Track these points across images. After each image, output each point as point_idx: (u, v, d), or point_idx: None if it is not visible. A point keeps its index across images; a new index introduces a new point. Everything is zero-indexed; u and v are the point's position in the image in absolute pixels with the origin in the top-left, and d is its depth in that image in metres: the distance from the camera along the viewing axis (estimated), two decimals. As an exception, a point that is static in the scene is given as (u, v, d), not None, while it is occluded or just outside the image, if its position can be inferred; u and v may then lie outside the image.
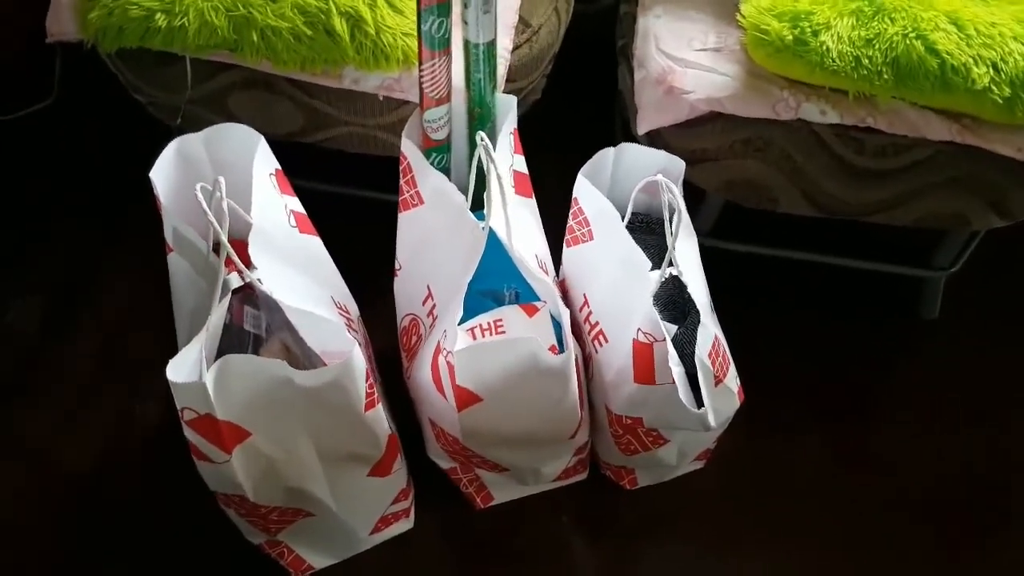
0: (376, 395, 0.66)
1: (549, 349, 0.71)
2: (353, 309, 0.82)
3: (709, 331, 0.72)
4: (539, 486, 0.92)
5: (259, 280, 0.66)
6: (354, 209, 1.07)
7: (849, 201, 0.94)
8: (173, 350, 0.64)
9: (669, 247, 0.75)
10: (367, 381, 0.64)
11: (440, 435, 0.81)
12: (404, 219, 0.83)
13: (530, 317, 0.73)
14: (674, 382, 0.72)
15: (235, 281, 0.65)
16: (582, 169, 0.82)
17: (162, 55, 0.88)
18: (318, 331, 0.67)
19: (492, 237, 0.73)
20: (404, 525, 0.87)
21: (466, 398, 0.70)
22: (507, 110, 0.79)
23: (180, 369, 0.60)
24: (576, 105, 1.29)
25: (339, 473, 0.72)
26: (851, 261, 1.13)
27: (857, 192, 0.93)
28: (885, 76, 0.82)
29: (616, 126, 1.19)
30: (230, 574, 0.86)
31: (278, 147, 0.78)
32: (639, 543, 0.92)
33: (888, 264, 1.12)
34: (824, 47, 0.81)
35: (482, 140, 0.71)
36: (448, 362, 0.69)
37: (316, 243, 0.79)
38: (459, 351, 0.67)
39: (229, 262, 0.66)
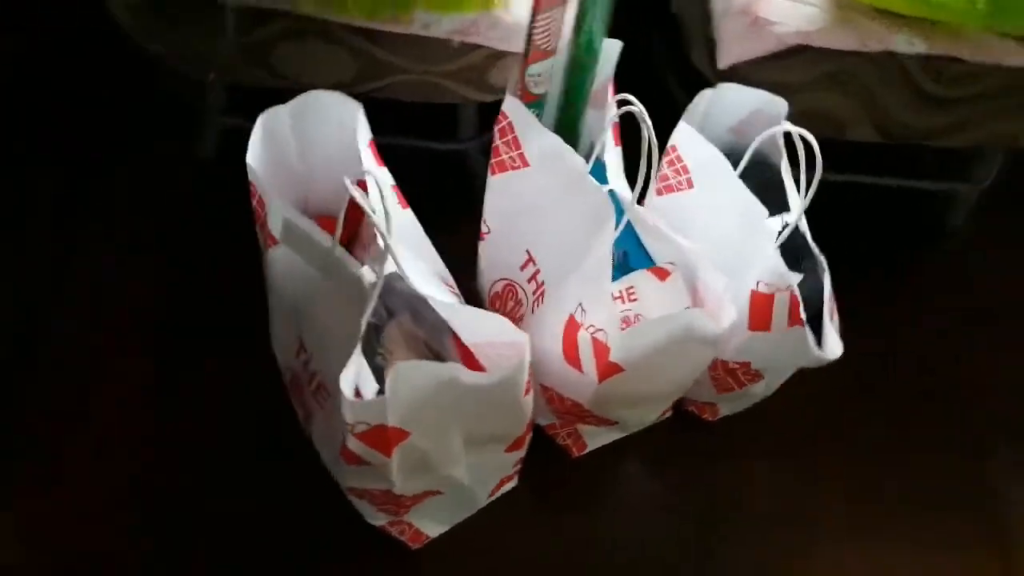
0: (531, 380, 0.64)
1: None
2: (452, 282, 0.78)
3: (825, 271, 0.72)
4: (633, 430, 0.93)
5: (403, 273, 0.61)
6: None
7: (916, 127, 0.95)
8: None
9: (790, 193, 0.74)
10: (529, 370, 0.62)
11: (554, 399, 0.80)
12: (498, 182, 0.78)
13: (662, 281, 0.71)
14: (804, 325, 0.73)
15: (388, 275, 0.59)
16: (684, 115, 0.78)
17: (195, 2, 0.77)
18: (475, 325, 0.63)
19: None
20: (512, 483, 0.87)
21: (611, 371, 0.69)
22: (610, 56, 0.74)
23: (349, 383, 0.56)
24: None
25: (479, 453, 0.70)
26: (886, 179, 1.15)
27: (926, 118, 0.93)
28: (979, 6, 0.80)
29: (660, 59, 1.14)
30: (341, 552, 0.84)
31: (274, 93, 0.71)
32: (730, 466, 0.95)
33: (923, 181, 1.14)
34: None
35: (633, 104, 0.65)
36: (595, 338, 0.67)
37: (412, 216, 0.73)
38: (626, 332, 0.65)
39: (359, 252, 0.60)
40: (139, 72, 1.04)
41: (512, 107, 0.72)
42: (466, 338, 0.64)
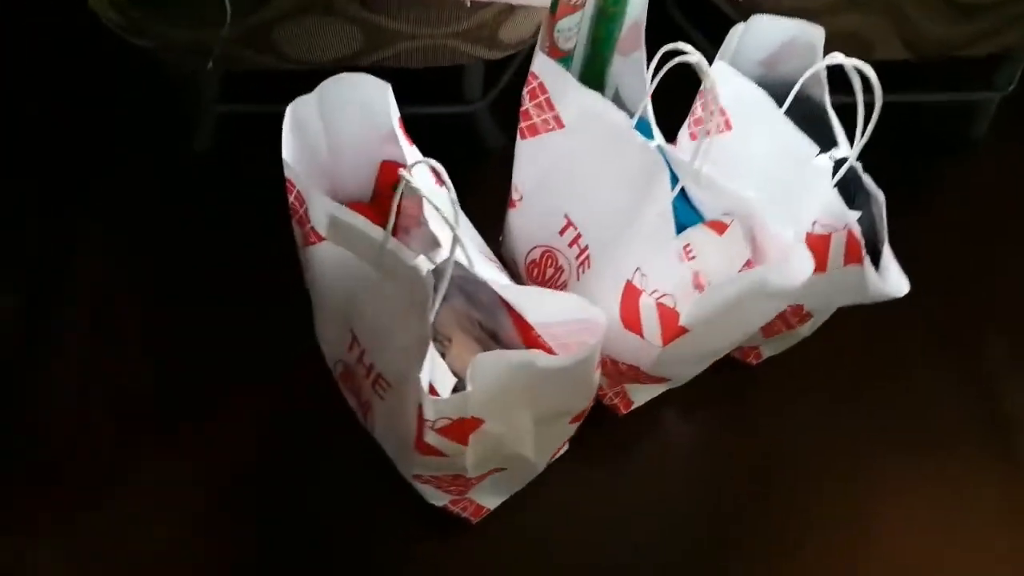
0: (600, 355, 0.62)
1: (746, 265, 0.67)
2: (494, 256, 0.75)
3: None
4: (683, 383, 0.92)
5: (469, 261, 0.58)
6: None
7: (944, 39, 0.91)
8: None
9: (837, 127, 0.71)
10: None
11: (607, 364, 0.78)
12: (530, 145, 0.75)
13: (720, 235, 0.68)
14: (862, 263, 0.71)
15: (447, 264, 0.56)
16: (720, 51, 0.75)
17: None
18: (544, 305, 0.60)
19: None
20: (566, 447, 0.87)
21: (677, 335, 0.67)
22: (640, 2, 0.70)
23: (426, 380, 0.53)
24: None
25: (546, 428, 0.69)
26: (909, 95, 1.11)
27: (954, 28, 0.90)
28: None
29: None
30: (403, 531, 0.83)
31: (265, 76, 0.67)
32: (777, 411, 0.95)
33: (946, 93, 1.12)
34: None
35: (688, 53, 0.61)
36: (661, 304, 0.65)
37: (447, 193, 0.70)
38: (699, 298, 0.62)
39: (401, 238, 0.57)
40: (126, 67, 0.99)
41: (543, 66, 0.68)
42: (534, 319, 0.61)
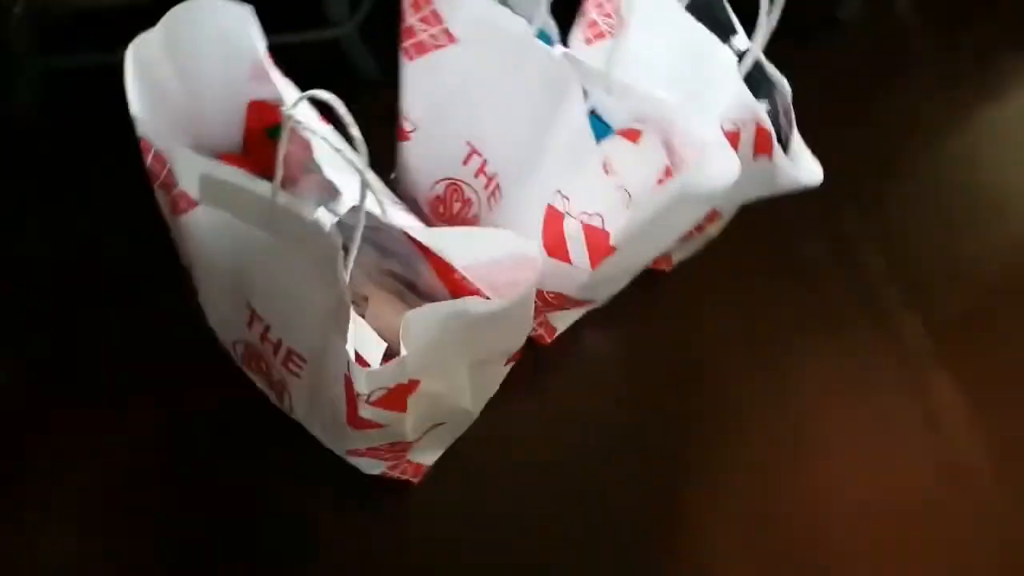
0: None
1: (665, 172, 0.64)
2: (395, 196, 0.68)
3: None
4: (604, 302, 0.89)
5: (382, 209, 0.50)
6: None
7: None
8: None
9: (732, 19, 0.67)
10: (533, 281, 0.55)
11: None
12: (416, 67, 0.67)
13: (636, 143, 0.64)
14: (772, 155, 0.69)
15: (358, 214, 0.49)
16: None
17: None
18: (471, 246, 0.54)
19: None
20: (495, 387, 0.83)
21: (606, 254, 0.63)
22: None
23: (352, 352, 0.47)
24: None
25: (482, 375, 0.64)
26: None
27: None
28: None
29: None
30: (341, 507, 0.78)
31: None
32: (696, 313, 0.95)
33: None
34: None
35: None
36: (589, 225, 0.60)
37: (332, 129, 0.62)
38: (630, 215, 0.58)
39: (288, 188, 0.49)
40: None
41: (425, -26, 0.60)
42: (460, 262, 0.55)
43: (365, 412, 0.52)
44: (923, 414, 0.88)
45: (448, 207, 0.76)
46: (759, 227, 0.92)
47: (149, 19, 0.55)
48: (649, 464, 0.80)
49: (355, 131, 0.43)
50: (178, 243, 0.61)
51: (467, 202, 0.74)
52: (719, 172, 0.58)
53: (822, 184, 0.78)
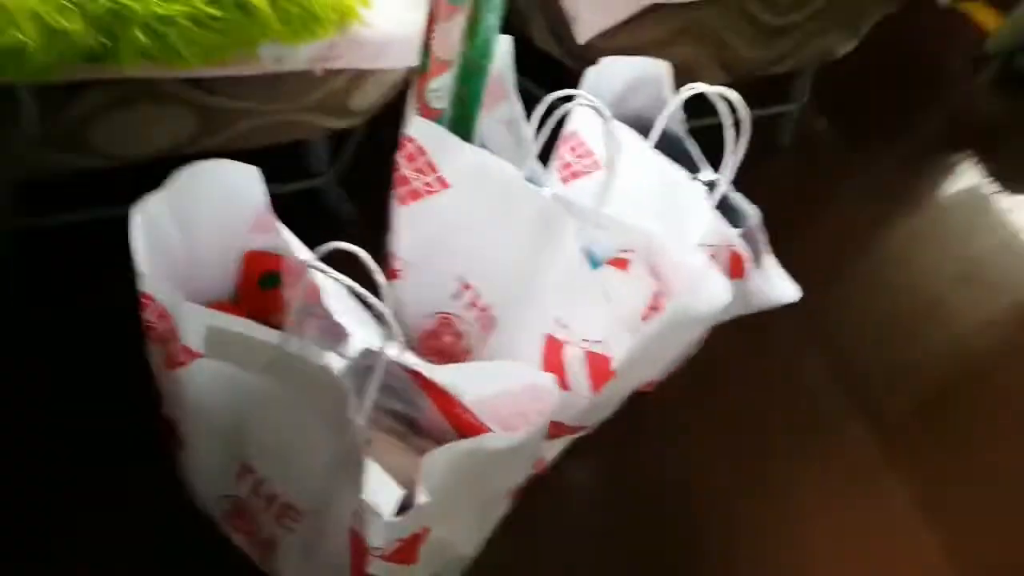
0: None
1: (654, 298, 0.66)
2: None
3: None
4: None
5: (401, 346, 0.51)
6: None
7: (758, 59, 0.99)
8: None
9: (695, 154, 0.73)
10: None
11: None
12: (409, 212, 0.70)
13: (626, 271, 0.67)
14: (745, 278, 0.73)
15: (378, 357, 0.49)
16: (577, 98, 0.75)
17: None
18: (482, 379, 0.54)
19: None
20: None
21: (606, 379, 0.64)
22: (503, 53, 0.68)
23: (379, 498, 0.46)
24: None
25: (486, 513, 0.63)
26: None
27: (766, 49, 0.98)
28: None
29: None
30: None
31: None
32: (679, 433, 0.95)
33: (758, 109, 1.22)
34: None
35: (589, 101, 0.59)
36: (591, 352, 0.62)
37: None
38: (633, 341, 0.60)
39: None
40: None
41: (420, 129, 0.64)
42: (468, 397, 0.55)
43: (375, 568, 0.50)
44: (880, 520, 0.90)
45: (439, 340, 0.77)
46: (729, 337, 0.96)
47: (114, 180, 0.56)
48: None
49: (380, 277, 0.44)
50: (166, 396, 0.59)
51: (459, 335, 0.75)
52: (711, 296, 0.61)
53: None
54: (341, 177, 1.00)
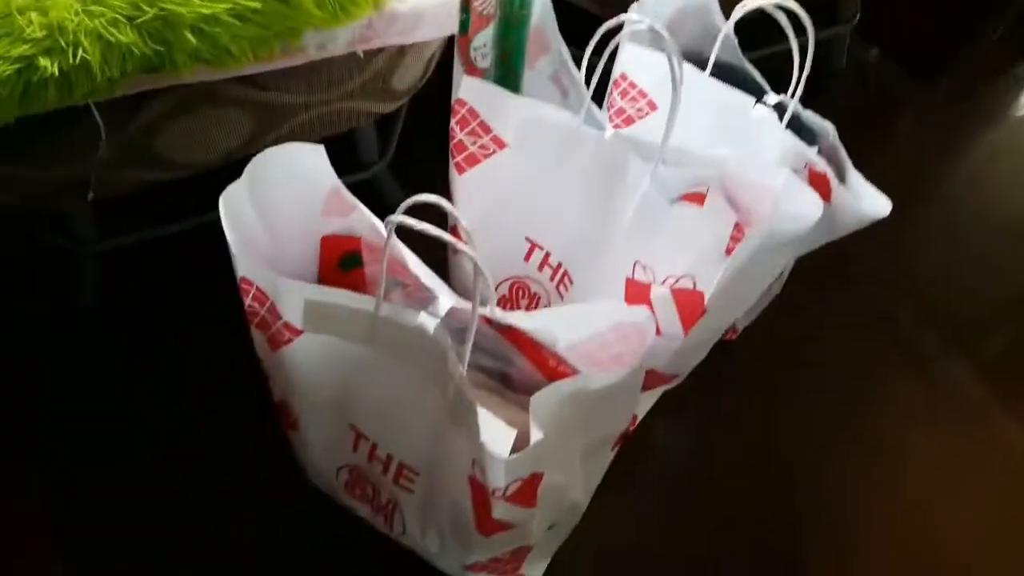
0: None
1: (735, 229, 0.64)
2: None
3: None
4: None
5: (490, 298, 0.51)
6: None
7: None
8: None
9: (758, 78, 0.71)
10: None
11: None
12: (469, 178, 0.70)
13: (701, 207, 0.65)
14: (830, 199, 0.70)
15: (473, 309, 0.49)
16: (620, 36, 0.73)
17: (47, 117, 0.62)
18: (575, 322, 0.54)
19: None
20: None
21: (697, 316, 0.62)
22: (543, 4, 0.67)
23: (496, 442, 0.46)
24: None
25: (592, 463, 0.62)
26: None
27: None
28: None
29: None
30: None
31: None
32: (767, 380, 0.93)
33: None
34: None
35: (640, 20, 0.58)
36: (678, 290, 0.60)
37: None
38: (728, 264, 0.58)
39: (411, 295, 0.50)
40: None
41: (470, 89, 0.64)
42: (564, 343, 0.55)
43: (499, 511, 0.50)
44: (996, 458, 0.85)
45: (514, 307, 0.76)
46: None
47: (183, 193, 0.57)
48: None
49: (463, 222, 0.44)
50: (274, 379, 0.61)
51: (535, 298, 0.75)
52: (803, 210, 0.59)
53: (841, 241, 0.79)
54: (392, 165, 1.01)
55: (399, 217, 0.45)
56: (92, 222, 0.83)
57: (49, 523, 0.71)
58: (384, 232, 0.56)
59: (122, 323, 0.87)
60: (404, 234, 0.49)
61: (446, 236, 0.45)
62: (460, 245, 0.44)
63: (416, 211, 0.46)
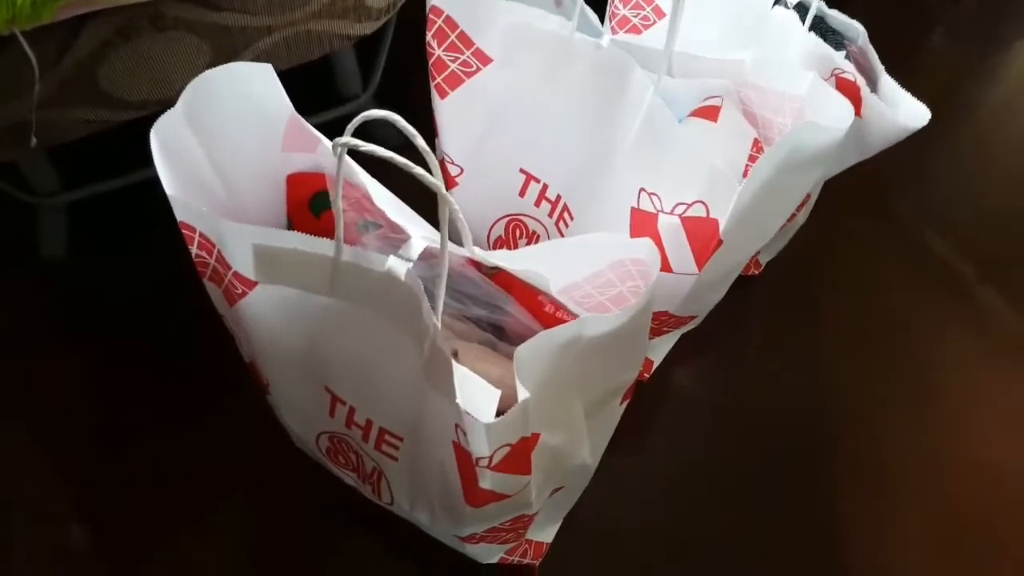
0: None
1: (754, 146, 0.56)
2: None
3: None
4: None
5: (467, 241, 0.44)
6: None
7: None
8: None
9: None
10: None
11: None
12: (452, 102, 0.62)
13: (714, 122, 0.57)
14: (862, 109, 0.61)
15: (442, 245, 0.42)
16: None
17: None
18: (568, 260, 0.47)
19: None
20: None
21: (714, 248, 0.54)
22: None
23: (476, 403, 0.39)
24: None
25: (598, 419, 0.56)
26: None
27: None
28: None
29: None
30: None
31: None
32: (797, 317, 0.86)
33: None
34: None
35: None
36: (688, 218, 0.52)
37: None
38: (743, 187, 0.50)
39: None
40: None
41: (445, -5, 0.55)
42: (555, 286, 0.48)
43: (486, 481, 0.43)
44: None
45: (513, 246, 0.69)
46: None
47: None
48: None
49: (420, 141, 0.37)
50: (238, 338, 0.54)
51: (533, 236, 0.68)
52: (831, 120, 0.50)
53: (868, 164, 0.71)
54: (385, 99, 0.93)
55: (347, 139, 0.37)
56: (51, 172, 0.76)
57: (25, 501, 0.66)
58: (346, 162, 0.49)
59: (89, 275, 0.81)
60: (394, 174, 0.41)
61: (397, 158, 0.37)
62: (415, 168, 0.37)
63: (412, 152, 0.38)
